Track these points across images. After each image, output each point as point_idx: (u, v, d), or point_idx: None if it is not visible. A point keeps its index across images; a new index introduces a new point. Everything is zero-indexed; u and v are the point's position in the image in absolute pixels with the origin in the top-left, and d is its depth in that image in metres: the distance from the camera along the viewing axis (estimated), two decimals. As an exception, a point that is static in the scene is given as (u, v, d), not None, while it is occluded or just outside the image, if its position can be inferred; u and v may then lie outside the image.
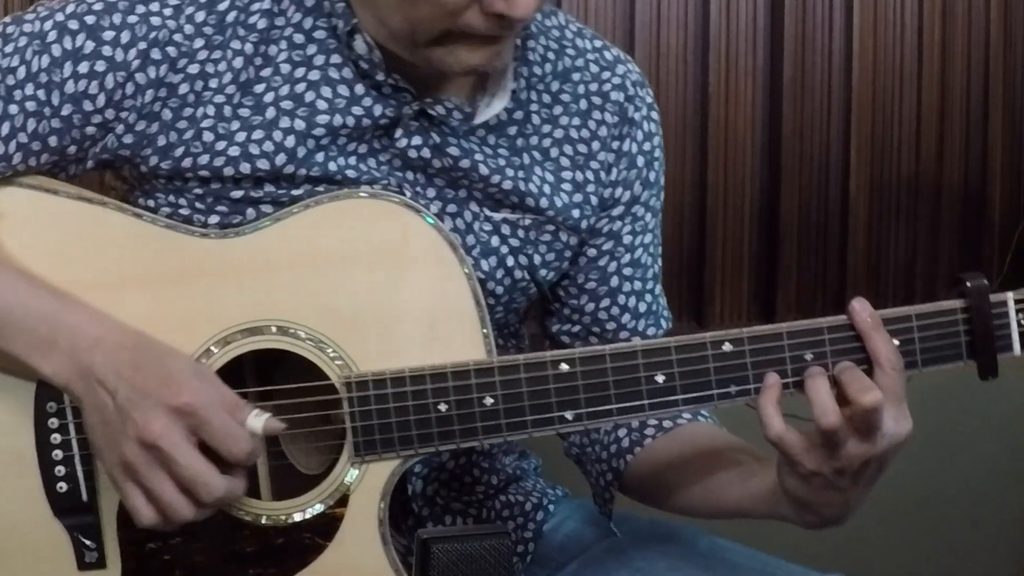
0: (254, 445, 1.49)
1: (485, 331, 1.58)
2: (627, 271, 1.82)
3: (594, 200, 1.76)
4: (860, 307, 1.55)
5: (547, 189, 1.71)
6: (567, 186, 1.73)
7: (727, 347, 1.56)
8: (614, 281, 1.81)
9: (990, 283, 2.85)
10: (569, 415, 1.56)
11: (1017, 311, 1.60)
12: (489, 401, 1.55)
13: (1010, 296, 1.60)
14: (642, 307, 1.83)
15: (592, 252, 1.80)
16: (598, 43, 1.80)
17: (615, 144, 1.77)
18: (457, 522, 1.78)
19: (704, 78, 2.84)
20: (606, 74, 1.78)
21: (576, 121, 1.75)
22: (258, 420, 1.50)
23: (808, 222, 2.89)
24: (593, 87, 1.77)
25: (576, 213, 1.74)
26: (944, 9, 2.94)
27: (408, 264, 1.58)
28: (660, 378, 1.56)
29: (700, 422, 1.80)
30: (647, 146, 1.80)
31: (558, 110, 1.75)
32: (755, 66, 2.88)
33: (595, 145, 1.76)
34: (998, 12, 2.95)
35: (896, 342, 1.56)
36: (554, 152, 1.73)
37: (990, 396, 2.88)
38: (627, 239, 1.80)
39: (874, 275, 2.92)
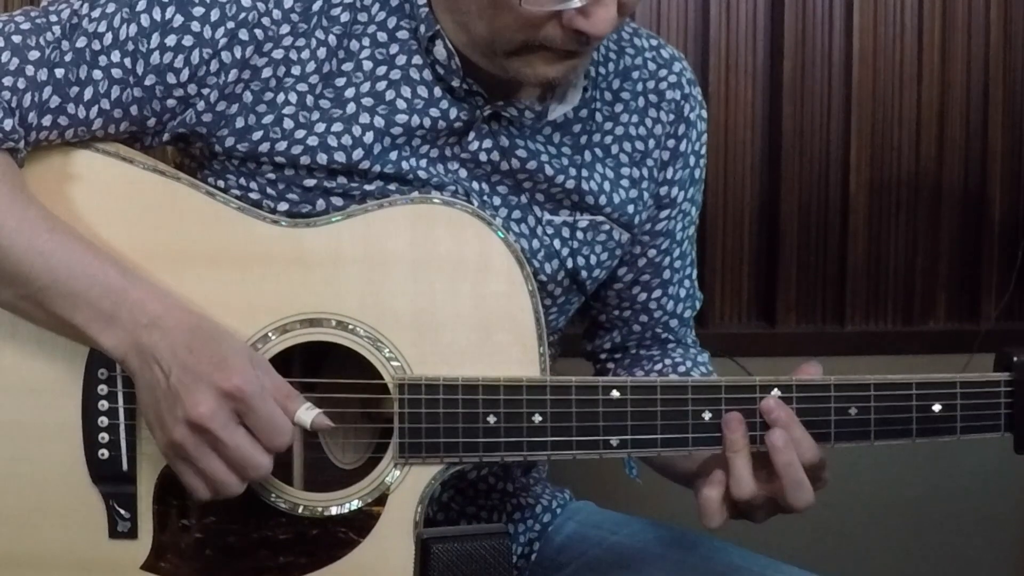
0: (292, 438, 1.50)
1: (542, 350, 1.59)
2: (677, 264, 1.88)
3: (647, 196, 1.79)
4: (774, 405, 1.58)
5: (607, 186, 1.74)
6: (625, 182, 1.76)
7: (776, 393, 1.59)
8: (666, 274, 1.87)
9: (989, 282, 2.91)
10: (614, 441, 1.58)
11: (1059, 388, 1.63)
12: (538, 418, 1.57)
13: (1055, 374, 1.63)
14: (682, 292, 1.89)
15: (652, 252, 1.84)
16: (653, 41, 1.83)
17: (670, 143, 1.81)
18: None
19: (704, 78, 2.83)
20: (663, 72, 1.81)
21: (635, 119, 1.78)
22: (308, 414, 1.50)
23: (808, 222, 2.90)
24: (651, 85, 1.80)
25: (631, 209, 1.77)
26: (944, 9, 2.94)
27: (474, 275, 1.59)
28: (707, 415, 1.58)
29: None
30: (698, 145, 1.84)
31: (619, 108, 1.77)
32: (755, 66, 2.88)
33: (651, 143, 1.79)
34: (998, 12, 2.94)
35: (937, 407, 1.61)
36: (615, 149, 1.76)
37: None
38: (679, 235, 1.86)
39: (874, 275, 2.93)
